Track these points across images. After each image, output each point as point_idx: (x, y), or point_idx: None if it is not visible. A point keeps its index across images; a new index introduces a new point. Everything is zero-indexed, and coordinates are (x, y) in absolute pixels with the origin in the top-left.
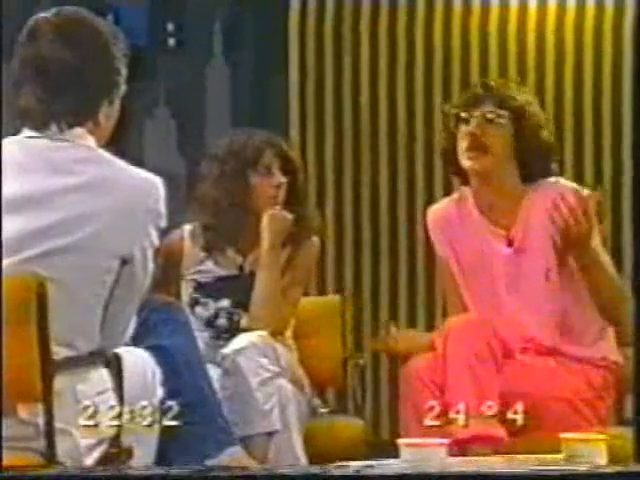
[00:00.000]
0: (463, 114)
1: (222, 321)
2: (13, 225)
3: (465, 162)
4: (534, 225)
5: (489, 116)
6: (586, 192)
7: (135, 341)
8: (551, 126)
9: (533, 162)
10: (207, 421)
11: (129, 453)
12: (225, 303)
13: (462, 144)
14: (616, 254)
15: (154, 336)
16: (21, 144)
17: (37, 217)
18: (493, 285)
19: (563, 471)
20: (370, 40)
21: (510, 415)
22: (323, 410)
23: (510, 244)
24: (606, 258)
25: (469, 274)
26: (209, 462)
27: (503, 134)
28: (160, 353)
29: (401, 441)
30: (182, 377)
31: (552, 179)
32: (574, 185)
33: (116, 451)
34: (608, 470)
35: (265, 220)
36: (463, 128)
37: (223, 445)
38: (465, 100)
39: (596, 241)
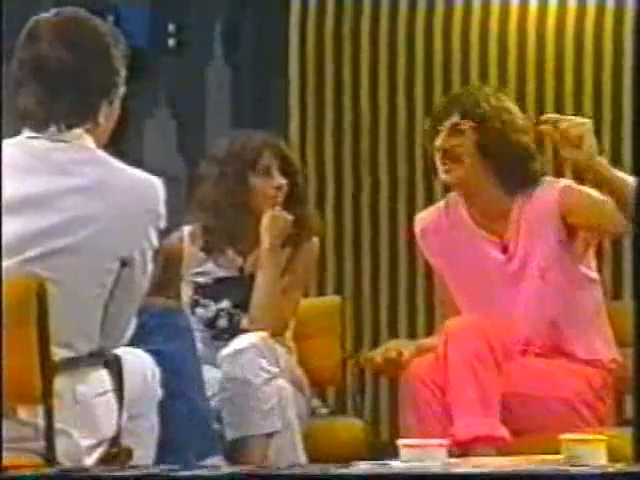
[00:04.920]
0: (434, 128)
1: (222, 322)
2: (13, 226)
3: (441, 175)
4: (528, 228)
5: (454, 127)
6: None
7: (133, 345)
8: (528, 130)
9: (509, 166)
10: (192, 429)
11: (129, 453)
12: (225, 304)
13: (436, 158)
14: (616, 254)
15: (150, 341)
16: (21, 145)
17: (37, 218)
18: (489, 290)
19: (563, 472)
20: (370, 40)
21: (510, 416)
22: (323, 411)
23: (505, 250)
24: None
25: (464, 280)
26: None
27: (470, 142)
28: (154, 358)
29: (401, 442)
30: (172, 384)
31: (544, 180)
32: (567, 182)
33: (116, 451)
34: (608, 470)
35: (265, 221)
36: (435, 142)
37: (204, 454)
38: (435, 114)
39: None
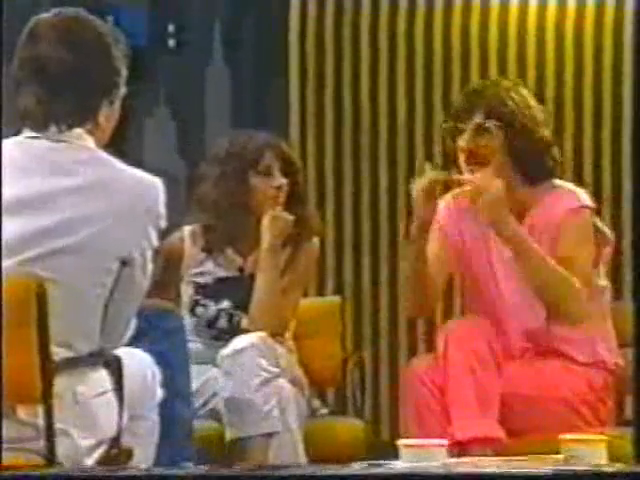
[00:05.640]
0: (455, 127)
1: (222, 322)
2: (13, 226)
3: (467, 176)
4: (538, 230)
5: (480, 127)
6: (586, 197)
7: (129, 345)
8: (549, 121)
9: (532, 161)
10: (165, 432)
11: (129, 454)
12: (225, 304)
13: (460, 158)
14: (616, 254)
15: (138, 342)
16: (21, 145)
17: (37, 218)
18: (496, 284)
19: (562, 472)
20: (370, 40)
21: (510, 416)
22: (323, 411)
23: None
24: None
25: (473, 273)
26: None
27: (497, 142)
28: None
29: (401, 442)
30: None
31: (556, 182)
32: (577, 193)
33: (116, 452)
34: (608, 470)
35: (265, 221)
36: (459, 142)
37: (174, 459)
38: (456, 112)
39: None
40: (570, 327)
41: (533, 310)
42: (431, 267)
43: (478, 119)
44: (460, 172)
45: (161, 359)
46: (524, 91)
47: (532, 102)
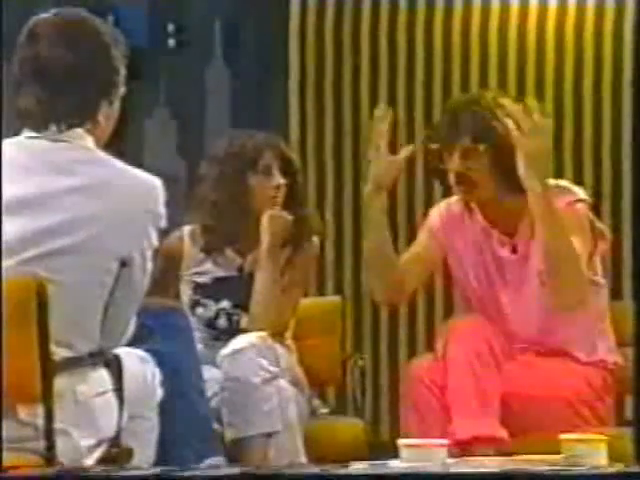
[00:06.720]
0: (445, 148)
1: (222, 322)
2: (13, 226)
3: (458, 194)
4: (535, 232)
5: (467, 150)
6: (580, 192)
7: (132, 345)
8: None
9: (517, 176)
10: (191, 430)
11: (129, 453)
12: (225, 304)
13: (451, 178)
14: (616, 254)
15: (149, 341)
16: (21, 145)
17: (37, 218)
18: (494, 288)
19: (562, 472)
20: (370, 41)
21: (510, 415)
22: (323, 411)
23: (514, 251)
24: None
25: (470, 274)
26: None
27: (485, 163)
28: (153, 358)
29: (401, 441)
30: (171, 384)
31: (560, 187)
32: (573, 189)
33: (116, 451)
34: (608, 470)
35: (264, 221)
36: (448, 164)
37: (203, 455)
38: (442, 135)
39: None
40: (570, 325)
41: (532, 315)
42: (409, 258)
43: (465, 142)
44: (451, 189)
45: (173, 357)
46: (505, 101)
47: (515, 112)
